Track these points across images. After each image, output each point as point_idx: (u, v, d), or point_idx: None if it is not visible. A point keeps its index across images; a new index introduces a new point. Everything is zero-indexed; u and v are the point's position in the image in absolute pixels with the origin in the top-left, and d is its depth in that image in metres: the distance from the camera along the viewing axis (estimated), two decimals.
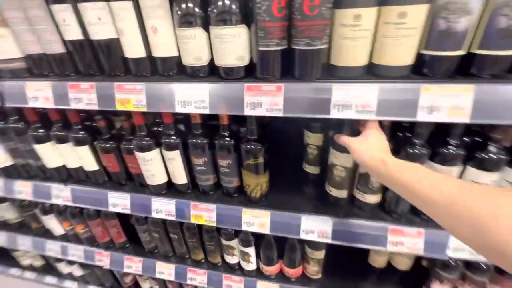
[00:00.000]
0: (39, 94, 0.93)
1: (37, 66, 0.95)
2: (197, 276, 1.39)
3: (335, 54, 0.72)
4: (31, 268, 1.98)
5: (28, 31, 0.88)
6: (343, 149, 0.80)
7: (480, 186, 0.47)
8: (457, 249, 0.89)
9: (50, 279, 1.96)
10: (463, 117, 0.64)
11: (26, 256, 1.90)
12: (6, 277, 2.13)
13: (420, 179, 0.52)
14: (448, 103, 0.64)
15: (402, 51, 0.66)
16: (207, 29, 0.75)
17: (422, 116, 0.67)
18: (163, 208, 1.13)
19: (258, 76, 0.77)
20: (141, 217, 1.34)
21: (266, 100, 0.75)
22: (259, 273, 1.33)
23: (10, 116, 1.16)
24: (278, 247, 1.22)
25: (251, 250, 1.23)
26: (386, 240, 0.93)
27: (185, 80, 0.82)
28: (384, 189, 0.95)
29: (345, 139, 0.74)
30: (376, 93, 0.68)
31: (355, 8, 0.63)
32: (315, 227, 0.98)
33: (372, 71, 0.73)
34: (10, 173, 1.32)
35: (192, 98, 0.80)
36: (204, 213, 1.09)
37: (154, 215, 1.15)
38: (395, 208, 0.95)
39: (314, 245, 1.16)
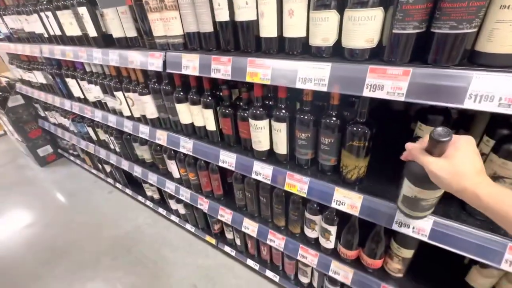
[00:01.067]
0: (190, 63, 1.21)
1: (191, 42, 1.22)
2: (276, 240, 1.56)
3: (484, 40, 0.66)
4: (151, 199, 2.62)
5: (191, 14, 1.14)
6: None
7: None
8: None
9: (161, 210, 2.55)
10: None
11: (150, 189, 2.52)
12: (134, 201, 2.89)
13: None
14: None
15: None
16: (340, 12, 0.80)
17: None
18: (262, 171, 1.30)
19: (384, 59, 0.78)
20: (239, 177, 1.58)
21: (388, 83, 0.76)
22: (334, 253, 1.39)
23: (164, 80, 1.54)
24: (361, 234, 1.24)
25: (333, 229, 1.28)
26: (502, 256, 0.82)
27: (309, 59, 0.91)
28: None
29: (419, 156, 0.63)
30: None
31: None
32: (412, 221, 0.95)
33: None
34: (155, 123, 1.76)
35: (313, 76, 0.89)
36: (297, 184, 1.20)
37: (253, 176, 1.34)
38: None
39: (403, 242, 1.12)
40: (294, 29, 0.91)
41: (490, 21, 0.63)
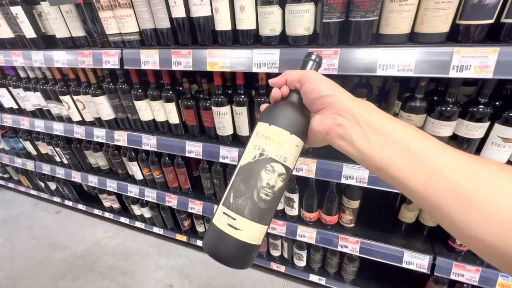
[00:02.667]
0: (149, 59, 1.27)
1: (148, 38, 1.28)
2: None
3: (383, 25, 0.91)
4: (110, 209, 2.48)
5: (146, 11, 1.21)
6: None
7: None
8: None
9: (123, 219, 2.44)
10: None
11: (108, 199, 2.39)
12: (89, 216, 2.68)
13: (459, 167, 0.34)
14: (476, 62, 0.81)
15: (439, 21, 0.84)
16: (282, 6, 0.99)
17: (453, 74, 0.84)
18: (229, 154, 1.43)
19: (319, 43, 0.99)
20: (206, 166, 1.67)
21: (324, 61, 0.97)
22: (299, 219, 1.59)
23: (119, 79, 1.53)
24: (319, 196, 1.46)
25: (296, 197, 1.48)
26: None
27: (261, 47, 1.08)
28: None
29: (297, 70, 0.50)
30: (415, 55, 0.87)
31: None
32: (355, 173, 1.20)
33: (413, 38, 0.91)
34: (112, 124, 1.73)
35: (266, 61, 1.06)
36: None
37: (220, 160, 1.45)
38: None
39: (351, 195, 1.37)
40: (246, 22, 1.07)
41: (385, 11, 0.89)
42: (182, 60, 1.20)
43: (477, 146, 1.03)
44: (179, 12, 1.15)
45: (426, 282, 1.50)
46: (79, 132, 1.84)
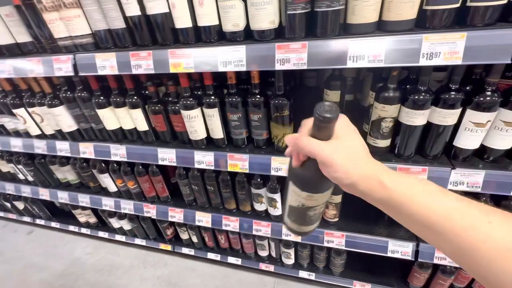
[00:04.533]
0: (106, 63, 1.16)
1: (103, 41, 1.17)
2: (231, 223, 1.64)
3: (350, 14, 0.87)
4: (86, 224, 2.34)
5: (96, 10, 1.09)
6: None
7: (472, 204, 0.39)
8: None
9: (102, 234, 2.31)
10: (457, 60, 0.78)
11: (83, 214, 2.25)
12: (65, 234, 2.52)
13: (447, 213, 0.39)
14: (445, 48, 0.78)
15: (406, 8, 0.80)
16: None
17: (423, 62, 0.81)
18: (204, 159, 1.35)
19: (286, 36, 0.93)
20: (183, 172, 1.59)
21: (293, 56, 0.92)
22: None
23: (77, 87, 1.40)
24: None
25: (277, 196, 1.44)
26: None
27: (226, 44, 1.00)
28: (393, 135, 1.11)
29: (305, 143, 0.48)
30: (385, 44, 0.83)
31: None
32: None
33: (381, 27, 0.88)
34: (75, 136, 1.59)
35: (232, 59, 0.99)
36: (238, 162, 1.30)
37: (196, 166, 1.37)
38: (404, 151, 1.11)
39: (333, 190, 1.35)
40: (206, 18, 0.99)
41: (351, 0, 0.84)
42: (142, 62, 1.10)
43: (451, 132, 1.03)
44: (133, 10, 1.04)
45: (411, 267, 1.52)
46: (40, 146, 1.69)
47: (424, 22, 0.84)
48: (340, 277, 1.72)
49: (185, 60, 1.04)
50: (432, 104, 0.98)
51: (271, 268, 1.87)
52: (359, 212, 1.52)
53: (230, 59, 0.99)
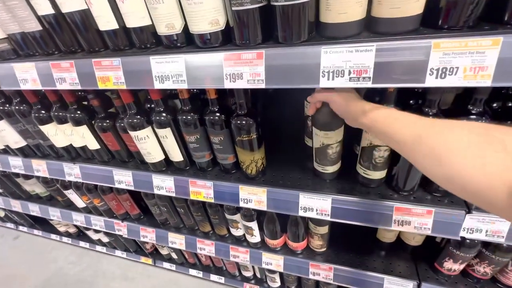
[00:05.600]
0: (27, 75, 0.92)
1: (20, 47, 0.93)
2: (206, 247, 1.45)
3: (324, 9, 0.59)
4: (67, 234, 2.23)
5: (2, 8, 0.84)
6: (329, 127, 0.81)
7: (443, 121, 0.48)
8: (472, 229, 0.80)
9: (83, 244, 2.20)
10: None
11: (61, 224, 2.12)
12: (50, 240, 2.43)
13: (392, 122, 0.55)
14: (466, 62, 0.51)
15: None
16: None
17: (431, 81, 0.54)
18: (163, 184, 1.14)
19: (237, 42, 0.67)
20: (149, 193, 1.39)
21: (246, 70, 0.66)
22: (264, 245, 1.35)
23: (15, 99, 1.19)
24: (282, 221, 1.21)
25: (254, 225, 1.22)
26: (391, 219, 0.86)
27: (160, 52, 0.74)
28: (390, 165, 0.85)
29: (322, 94, 0.73)
30: (372, 56, 0.56)
31: None
32: (314, 205, 0.93)
33: (369, 27, 0.60)
34: (27, 152, 1.40)
35: (170, 72, 0.74)
36: (202, 190, 1.08)
37: (155, 191, 1.17)
38: (403, 185, 0.85)
39: (317, 221, 1.12)
40: (133, 17, 0.73)
41: None
42: (66, 75, 0.86)
43: None
44: (44, 7, 0.79)
45: None
46: None
47: (434, 20, 0.56)
48: None
49: (114, 74, 0.80)
50: None
51: None
52: (352, 241, 1.29)
53: (167, 72, 0.74)
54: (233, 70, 0.67)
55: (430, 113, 0.68)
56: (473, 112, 0.65)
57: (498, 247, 0.93)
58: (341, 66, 0.58)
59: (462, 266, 1.03)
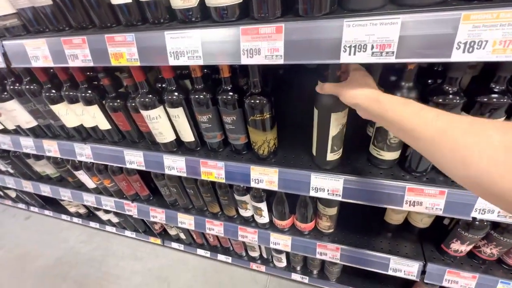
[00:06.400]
0: (38, 52, 0.91)
1: (30, 22, 0.91)
2: (215, 227, 1.49)
3: None
4: (77, 214, 2.28)
5: None
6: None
7: (468, 119, 0.45)
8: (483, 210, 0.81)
9: (93, 224, 2.25)
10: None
11: (71, 205, 2.17)
12: (61, 221, 2.50)
13: (411, 116, 0.51)
14: (497, 34, 0.49)
15: None
16: None
17: (457, 56, 0.53)
18: (174, 165, 1.15)
19: (255, 15, 0.65)
20: (159, 173, 1.40)
21: (264, 45, 0.64)
22: (272, 226, 1.38)
23: (25, 77, 1.18)
24: (290, 202, 1.22)
25: (263, 205, 1.24)
26: (403, 199, 0.86)
27: (174, 26, 0.73)
28: (404, 145, 0.85)
29: (332, 87, 0.70)
30: (397, 29, 0.54)
31: None
32: (325, 185, 0.94)
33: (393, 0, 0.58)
34: (38, 132, 1.41)
35: (185, 48, 0.72)
36: (213, 170, 1.09)
37: (166, 171, 1.18)
38: (416, 166, 0.85)
39: (327, 202, 1.13)
40: None
41: None
42: (78, 52, 0.85)
43: None
44: None
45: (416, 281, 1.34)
46: (5, 142, 1.53)
47: None
48: (336, 283, 1.58)
49: (127, 50, 0.79)
50: (464, 109, 0.70)
51: (262, 268, 1.75)
52: (360, 222, 1.31)
53: (182, 48, 0.72)
54: (250, 45, 0.65)
55: (450, 91, 0.67)
56: (495, 90, 0.64)
57: (506, 229, 0.95)
58: (364, 40, 0.57)
59: (469, 248, 1.05)
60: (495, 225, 0.96)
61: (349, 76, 0.66)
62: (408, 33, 0.54)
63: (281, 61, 0.64)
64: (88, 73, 1.18)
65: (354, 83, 0.63)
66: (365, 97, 0.60)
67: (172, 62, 0.75)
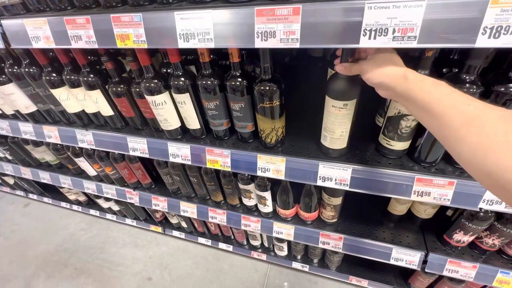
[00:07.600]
0: (39, 32, 0.88)
1: (31, 0, 0.87)
2: (218, 216, 1.49)
3: None
4: (77, 202, 2.27)
5: None
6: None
7: (501, 110, 0.42)
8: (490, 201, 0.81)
9: (93, 212, 2.25)
10: None
11: (71, 192, 2.16)
12: (60, 208, 2.49)
13: (440, 97, 0.48)
14: None
15: None
16: None
17: (483, 41, 0.51)
18: (179, 152, 1.13)
19: None
20: (162, 161, 1.39)
21: (280, 28, 0.62)
22: (275, 215, 1.38)
23: (24, 60, 1.14)
24: (295, 192, 1.22)
25: (267, 195, 1.24)
26: (411, 189, 0.86)
27: (184, 7, 0.70)
28: (415, 136, 0.84)
29: (356, 66, 0.65)
30: (421, 12, 0.52)
31: None
32: (333, 174, 0.93)
33: None
34: (38, 118, 1.38)
35: (195, 30, 0.69)
36: (219, 158, 1.08)
37: (171, 159, 1.16)
38: (425, 156, 0.85)
39: (332, 192, 1.13)
40: None
41: None
42: (82, 32, 0.82)
43: None
44: None
45: (415, 270, 1.37)
46: (3, 127, 1.50)
47: None
48: (336, 271, 1.61)
49: (134, 31, 0.75)
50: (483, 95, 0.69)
51: (263, 257, 1.77)
52: (363, 212, 1.32)
53: (192, 30, 0.70)
54: (265, 27, 0.63)
55: (468, 80, 0.66)
56: None
57: (510, 220, 0.96)
58: (386, 24, 0.55)
59: (471, 238, 1.06)
60: (498, 216, 0.97)
61: (374, 54, 0.63)
62: (431, 17, 0.52)
63: (296, 45, 0.62)
64: (89, 57, 1.15)
65: (380, 60, 0.60)
66: (392, 75, 0.56)
67: (182, 44, 0.72)
